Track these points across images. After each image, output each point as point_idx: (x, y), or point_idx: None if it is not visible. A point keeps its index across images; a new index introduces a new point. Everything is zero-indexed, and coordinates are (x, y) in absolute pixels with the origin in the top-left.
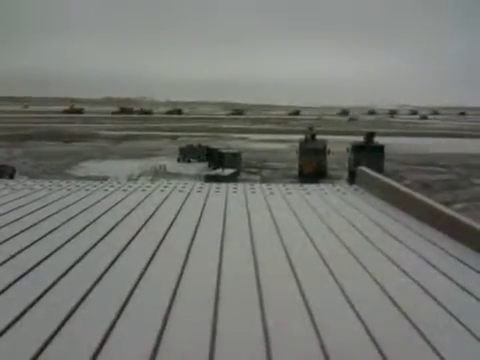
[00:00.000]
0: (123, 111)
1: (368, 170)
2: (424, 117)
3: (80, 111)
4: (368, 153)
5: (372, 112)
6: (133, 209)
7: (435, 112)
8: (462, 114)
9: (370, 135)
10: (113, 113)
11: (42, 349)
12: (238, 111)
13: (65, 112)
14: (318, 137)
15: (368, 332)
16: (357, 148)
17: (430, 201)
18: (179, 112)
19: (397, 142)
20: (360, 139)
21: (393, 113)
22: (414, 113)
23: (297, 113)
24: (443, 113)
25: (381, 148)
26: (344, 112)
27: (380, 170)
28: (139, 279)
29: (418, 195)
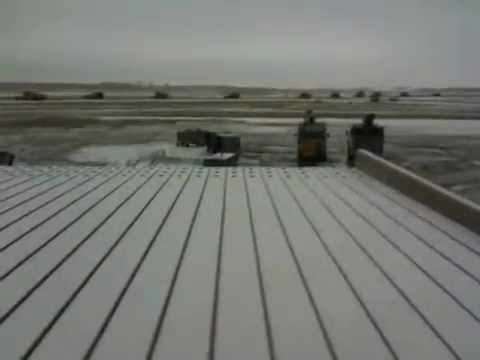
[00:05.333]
0: (27, 97)
1: (367, 153)
2: (376, 100)
3: None
4: (367, 136)
5: (336, 95)
6: (132, 194)
7: (404, 94)
8: (437, 95)
9: (369, 117)
10: (16, 98)
11: (44, 333)
12: (162, 95)
13: None
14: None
15: (368, 315)
16: (356, 131)
17: (429, 183)
18: (100, 96)
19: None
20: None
21: (360, 95)
22: (377, 95)
23: (237, 96)
24: (414, 94)
25: (381, 130)
26: (304, 95)
27: (379, 152)
28: (139, 264)
29: (417, 177)
